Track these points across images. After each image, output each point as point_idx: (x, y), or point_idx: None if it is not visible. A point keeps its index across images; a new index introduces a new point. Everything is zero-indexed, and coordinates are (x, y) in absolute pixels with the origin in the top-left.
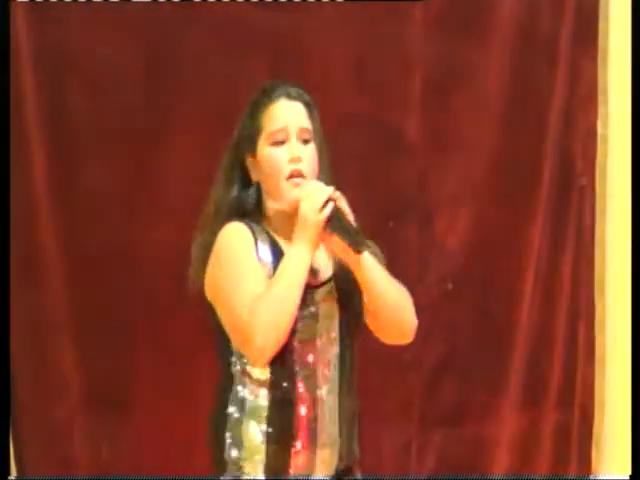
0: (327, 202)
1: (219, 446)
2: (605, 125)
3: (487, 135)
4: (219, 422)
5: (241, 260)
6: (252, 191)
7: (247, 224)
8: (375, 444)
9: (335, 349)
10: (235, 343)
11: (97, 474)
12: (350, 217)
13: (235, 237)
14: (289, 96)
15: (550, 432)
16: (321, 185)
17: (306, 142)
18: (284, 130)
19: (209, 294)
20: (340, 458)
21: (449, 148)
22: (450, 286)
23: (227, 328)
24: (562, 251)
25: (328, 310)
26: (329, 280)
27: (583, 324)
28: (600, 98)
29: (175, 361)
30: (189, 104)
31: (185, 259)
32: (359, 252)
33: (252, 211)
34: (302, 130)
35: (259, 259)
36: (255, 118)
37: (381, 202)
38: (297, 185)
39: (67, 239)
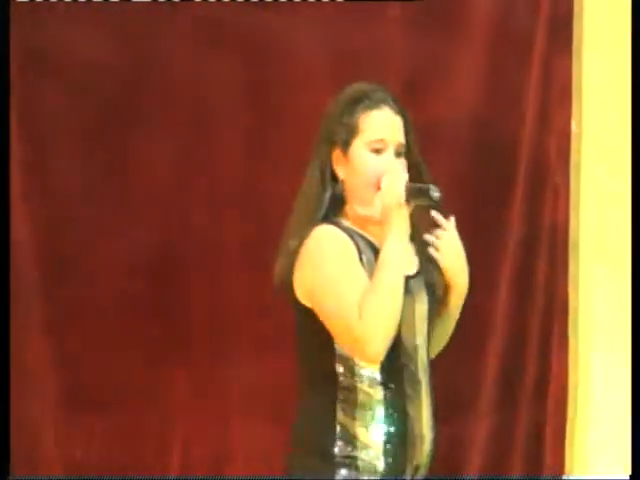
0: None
1: (325, 443)
2: (579, 124)
3: (463, 133)
4: (323, 421)
5: (343, 264)
6: (339, 188)
7: (339, 227)
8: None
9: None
10: (345, 347)
11: (71, 474)
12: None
13: (333, 241)
14: (392, 107)
15: (523, 432)
16: (394, 175)
17: (399, 155)
18: (384, 141)
19: (304, 297)
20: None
21: (424, 146)
22: None
23: (334, 332)
24: (537, 248)
25: (422, 301)
26: (418, 272)
27: (557, 321)
28: (574, 97)
29: (150, 362)
30: (166, 103)
31: (161, 259)
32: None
33: (335, 208)
34: (399, 145)
35: (362, 261)
36: (353, 118)
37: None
38: None
39: (42, 238)
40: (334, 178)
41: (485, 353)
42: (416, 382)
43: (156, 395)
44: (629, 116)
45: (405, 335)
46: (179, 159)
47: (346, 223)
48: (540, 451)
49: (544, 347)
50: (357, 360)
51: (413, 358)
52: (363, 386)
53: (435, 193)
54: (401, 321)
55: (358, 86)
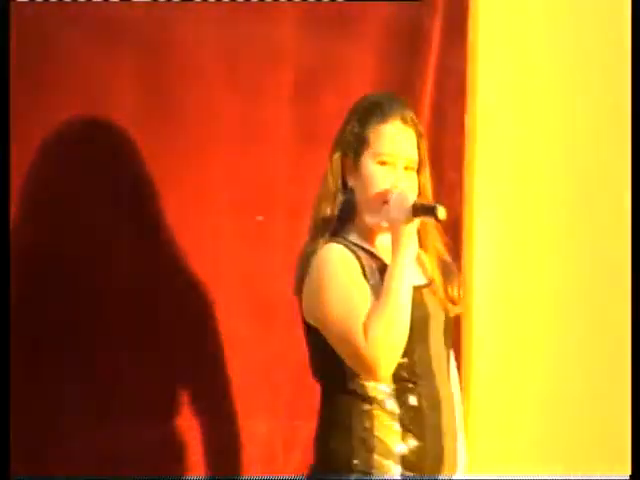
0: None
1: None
2: (474, 119)
3: None
4: (342, 434)
5: (348, 285)
6: (349, 196)
7: (346, 245)
8: (243, 438)
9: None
10: (354, 367)
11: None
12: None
13: (339, 261)
14: (404, 120)
15: None
16: (402, 192)
17: (408, 170)
18: (392, 155)
19: (311, 316)
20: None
21: (319, 142)
22: None
23: (341, 352)
24: None
25: (436, 310)
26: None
27: None
28: (469, 94)
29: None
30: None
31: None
32: (437, 216)
33: (345, 218)
34: (409, 160)
35: (365, 275)
36: (364, 129)
37: (250, 196)
38: None
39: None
40: (345, 186)
41: None
42: (432, 394)
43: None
44: (524, 112)
45: (418, 347)
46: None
47: (353, 236)
48: None
49: None
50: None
51: (428, 370)
52: (377, 399)
53: (441, 213)
54: (413, 333)
55: (374, 97)
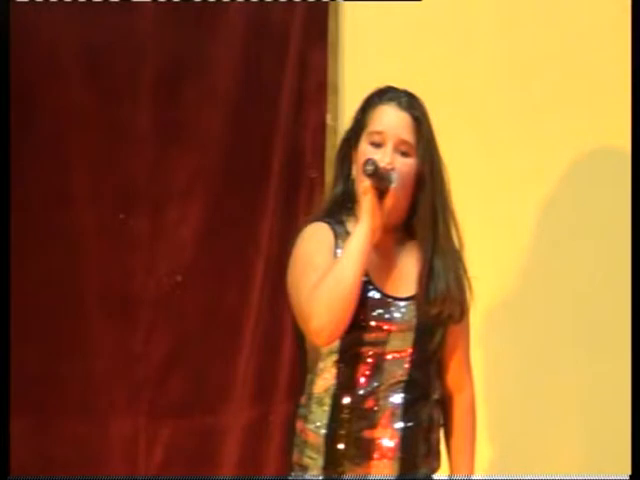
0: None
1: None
2: (335, 117)
3: (218, 127)
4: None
5: (312, 254)
6: (350, 185)
7: (330, 224)
8: (103, 437)
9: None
10: (298, 323)
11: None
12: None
13: (314, 234)
14: (400, 104)
15: (280, 422)
16: (370, 158)
17: (405, 155)
18: (382, 134)
19: (288, 288)
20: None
21: (180, 140)
22: (180, 278)
23: (293, 310)
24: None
25: (401, 333)
26: (411, 298)
27: None
28: (330, 91)
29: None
30: None
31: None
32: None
33: (344, 206)
34: (401, 141)
35: (335, 254)
36: (363, 114)
37: (111, 194)
38: None
39: None
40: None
41: (242, 347)
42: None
43: None
44: None
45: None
46: None
47: (347, 222)
48: None
49: None
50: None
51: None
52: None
53: (393, 176)
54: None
55: (380, 87)
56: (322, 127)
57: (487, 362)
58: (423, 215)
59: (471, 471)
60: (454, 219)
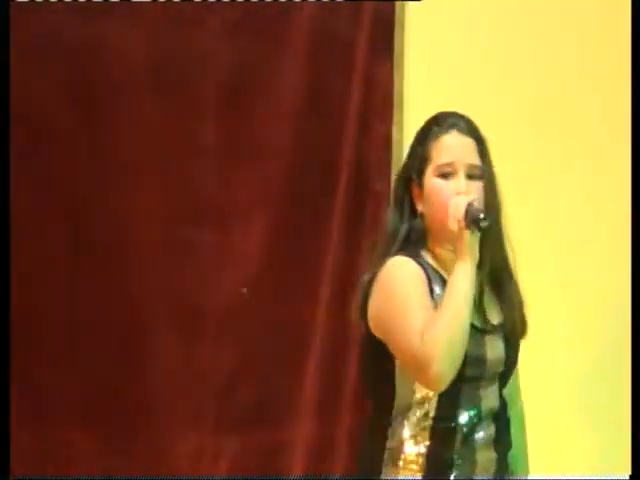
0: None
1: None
2: (400, 130)
3: (284, 140)
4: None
5: (410, 292)
6: (417, 222)
7: (414, 258)
8: (168, 453)
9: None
10: (411, 374)
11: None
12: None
13: (403, 270)
14: (461, 129)
15: (345, 436)
16: (458, 197)
17: (473, 178)
18: (452, 164)
19: (376, 328)
20: None
21: (246, 152)
22: (245, 290)
23: (401, 360)
24: (358, 256)
25: (497, 355)
26: (498, 326)
27: None
28: (395, 104)
29: None
30: None
31: None
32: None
33: (417, 243)
34: (470, 167)
35: (432, 292)
36: (424, 147)
37: (177, 205)
38: None
39: None
40: (414, 213)
41: (308, 360)
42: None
43: None
44: None
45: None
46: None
47: (425, 257)
48: None
49: None
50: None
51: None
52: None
53: (483, 222)
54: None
55: (433, 115)
56: (387, 141)
57: None
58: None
59: None
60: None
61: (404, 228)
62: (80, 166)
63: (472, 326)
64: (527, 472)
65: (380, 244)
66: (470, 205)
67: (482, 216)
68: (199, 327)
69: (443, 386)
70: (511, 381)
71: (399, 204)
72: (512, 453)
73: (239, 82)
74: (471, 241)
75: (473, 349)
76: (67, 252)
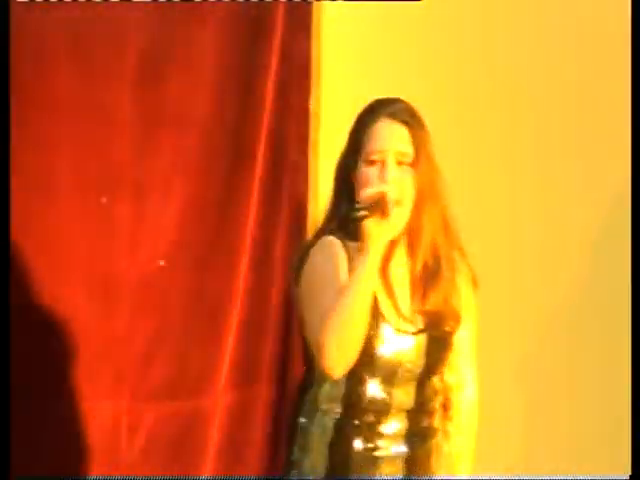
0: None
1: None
2: (318, 103)
3: (201, 113)
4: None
5: (325, 275)
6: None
7: (342, 239)
8: (86, 420)
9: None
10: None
11: None
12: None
13: (325, 252)
14: (392, 116)
15: (262, 406)
16: (364, 191)
17: (403, 164)
18: (380, 152)
19: (296, 301)
20: None
21: (163, 125)
22: (162, 262)
23: (305, 335)
24: (275, 227)
25: (412, 362)
26: (420, 331)
27: None
28: (313, 77)
29: None
30: None
31: None
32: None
33: (355, 229)
34: (399, 154)
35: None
36: (357, 136)
37: (94, 178)
38: None
39: None
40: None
41: (226, 331)
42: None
43: None
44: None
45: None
46: None
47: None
48: (277, 428)
49: (283, 326)
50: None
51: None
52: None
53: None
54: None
55: (369, 102)
56: (305, 113)
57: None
58: (423, 226)
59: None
60: (452, 228)
61: (339, 214)
62: None
63: (389, 323)
64: (468, 469)
65: (318, 227)
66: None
67: (358, 214)
68: (116, 297)
69: (335, 374)
70: (450, 377)
71: (339, 188)
72: (450, 450)
73: (157, 54)
74: (373, 232)
75: (387, 346)
76: None
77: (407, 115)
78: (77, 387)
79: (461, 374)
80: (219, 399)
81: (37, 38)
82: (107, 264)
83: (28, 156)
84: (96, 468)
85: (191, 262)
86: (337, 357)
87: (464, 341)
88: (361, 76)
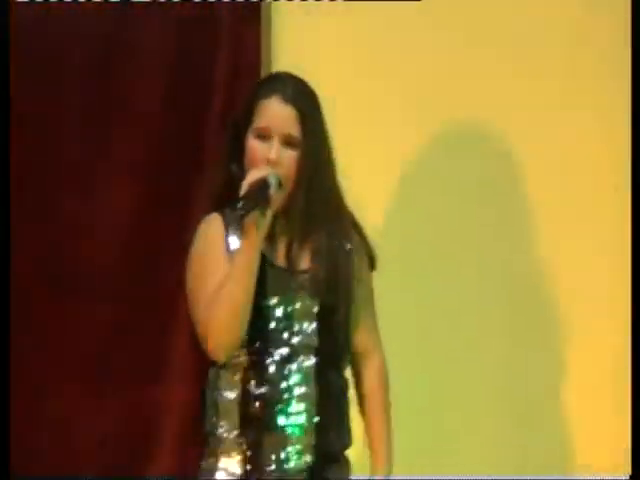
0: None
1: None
2: None
3: (151, 107)
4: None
5: (207, 255)
6: (241, 172)
7: (223, 213)
8: (46, 413)
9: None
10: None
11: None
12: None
13: (206, 230)
14: (283, 96)
15: None
16: (255, 171)
17: (289, 146)
18: (267, 130)
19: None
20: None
21: (113, 121)
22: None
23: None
24: None
25: (305, 302)
26: (307, 270)
27: None
28: (263, 69)
29: None
30: None
31: None
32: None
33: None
34: (286, 136)
35: (228, 250)
36: (249, 108)
37: (46, 175)
38: None
39: None
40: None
41: (178, 322)
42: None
43: None
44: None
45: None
46: None
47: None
48: None
49: None
50: None
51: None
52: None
53: (271, 180)
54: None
55: (265, 76)
56: None
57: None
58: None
59: (390, 437)
60: (343, 205)
61: (226, 181)
62: None
63: (277, 276)
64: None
65: (216, 182)
66: (246, 192)
67: (240, 211)
68: (72, 292)
69: (221, 358)
70: (363, 333)
71: (228, 153)
72: (367, 406)
73: (104, 49)
74: (252, 224)
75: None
76: None
77: (300, 97)
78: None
79: (366, 341)
80: (174, 392)
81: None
82: (59, 262)
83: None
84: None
85: (143, 260)
86: (220, 344)
87: (365, 306)
88: (313, 68)
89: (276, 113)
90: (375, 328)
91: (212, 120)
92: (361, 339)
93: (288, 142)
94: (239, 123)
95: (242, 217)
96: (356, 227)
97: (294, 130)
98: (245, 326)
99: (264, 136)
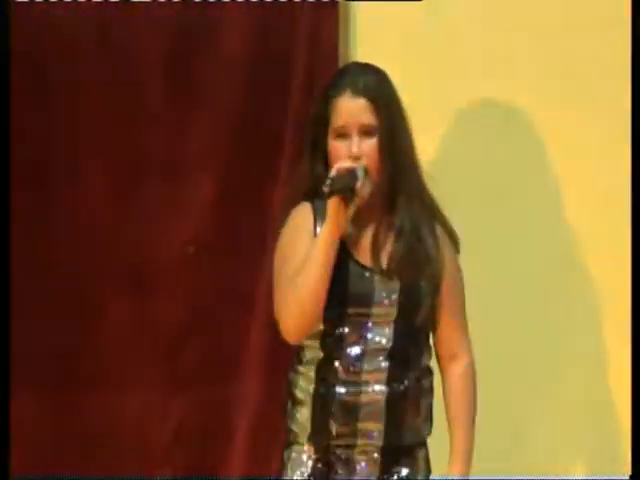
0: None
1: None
2: None
3: (230, 99)
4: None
5: (294, 239)
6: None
7: (314, 203)
8: (116, 410)
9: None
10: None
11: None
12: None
13: (295, 217)
14: (353, 90)
15: None
16: (339, 164)
17: (367, 136)
18: (345, 127)
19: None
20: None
21: (193, 111)
22: (192, 249)
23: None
24: None
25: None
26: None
27: None
28: (340, 60)
29: None
30: None
31: None
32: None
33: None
34: (363, 126)
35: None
36: (323, 109)
37: (125, 165)
38: None
39: None
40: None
41: (255, 318)
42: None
43: None
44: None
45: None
46: None
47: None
48: None
49: None
50: None
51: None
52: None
53: (359, 172)
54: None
55: (334, 73)
56: None
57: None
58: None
59: (468, 440)
60: (426, 189)
61: (313, 177)
62: (32, 126)
63: (358, 265)
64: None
65: (289, 192)
66: (335, 174)
67: (325, 188)
68: (147, 283)
69: (293, 340)
70: (448, 334)
71: (308, 154)
72: (451, 407)
73: (186, 39)
74: (336, 207)
75: (357, 288)
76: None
77: (369, 87)
78: (108, 377)
79: (451, 342)
80: (249, 388)
81: (67, 27)
82: (137, 252)
83: (55, 143)
84: (127, 455)
85: (221, 250)
86: (293, 326)
87: (450, 306)
88: (391, 59)
89: (350, 109)
90: (462, 328)
91: (291, 108)
92: (445, 339)
93: (365, 132)
94: (318, 123)
95: (328, 195)
96: (437, 211)
97: (369, 119)
98: (318, 311)
99: (343, 134)
